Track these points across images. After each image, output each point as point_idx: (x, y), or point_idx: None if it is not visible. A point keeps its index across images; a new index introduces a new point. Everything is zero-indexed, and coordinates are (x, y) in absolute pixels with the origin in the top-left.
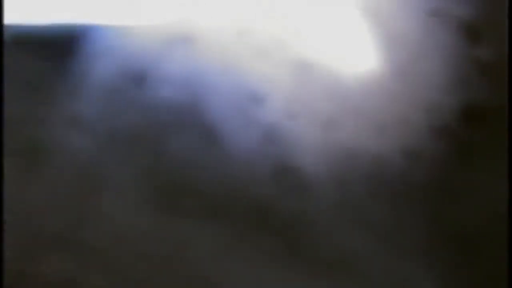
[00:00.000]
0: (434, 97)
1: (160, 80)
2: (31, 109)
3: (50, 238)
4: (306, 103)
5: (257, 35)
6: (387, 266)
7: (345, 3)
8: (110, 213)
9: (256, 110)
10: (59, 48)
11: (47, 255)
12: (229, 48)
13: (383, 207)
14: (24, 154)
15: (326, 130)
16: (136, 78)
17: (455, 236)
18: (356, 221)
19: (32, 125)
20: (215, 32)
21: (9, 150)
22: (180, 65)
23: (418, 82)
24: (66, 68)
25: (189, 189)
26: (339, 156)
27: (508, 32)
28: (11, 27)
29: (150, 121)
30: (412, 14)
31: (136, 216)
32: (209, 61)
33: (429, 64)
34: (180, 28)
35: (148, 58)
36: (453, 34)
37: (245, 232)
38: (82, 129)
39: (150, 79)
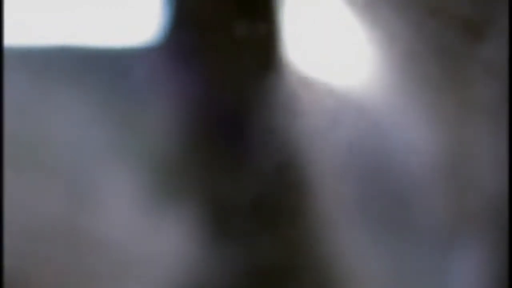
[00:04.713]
0: (434, 94)
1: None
2: (35, 110)
3: (49, 240)
4: (309, 101)
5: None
6: (391, 263)
7: (344, 4)
8: (109, 215)
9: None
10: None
11: (46, 256)
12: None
13: (386, 202)
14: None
15: (329, 128)
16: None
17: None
18: (359, 218)
19: (33, 127)
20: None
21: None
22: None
23: (417, 79)
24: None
25: (188, 187)
26: (341, 153)
27: (508, 32)
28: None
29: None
30: (411, 14)
31: (135, 214)
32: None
33: (429, 63)
34: None
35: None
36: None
37: (247, 231)
38: (81, 130)
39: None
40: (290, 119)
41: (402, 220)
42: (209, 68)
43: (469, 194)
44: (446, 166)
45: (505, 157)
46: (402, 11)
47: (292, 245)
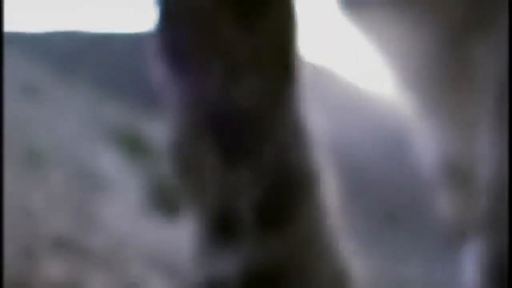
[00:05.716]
0: (434, 94)
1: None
2: (32, 110)
3: (51, 240)
4: (314, 100)
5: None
6: (392, 263)
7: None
8: (111, 215)
9: None
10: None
11: (48, 257)
12: None
13: (387, 202)
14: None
15: (335, 127)
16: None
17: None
18: (362, 219)
19: (35, 127)
20: None
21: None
22: None
23: (418, 79)
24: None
25: (190, 187)
26: (346, 153)
27: (508, 32)
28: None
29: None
30: (412, 14)
31: (137, 214)
32: None
33: (429, 63)
34: None
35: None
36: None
37: (247, 232)
38: (81, 131)
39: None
40: (293, 118)
41: (403, 220)
42: (208, 67)
43: (470, 194)
44: (447, 166)
45: (505, 157)
46: (403, 11)
47: (292, 245)
